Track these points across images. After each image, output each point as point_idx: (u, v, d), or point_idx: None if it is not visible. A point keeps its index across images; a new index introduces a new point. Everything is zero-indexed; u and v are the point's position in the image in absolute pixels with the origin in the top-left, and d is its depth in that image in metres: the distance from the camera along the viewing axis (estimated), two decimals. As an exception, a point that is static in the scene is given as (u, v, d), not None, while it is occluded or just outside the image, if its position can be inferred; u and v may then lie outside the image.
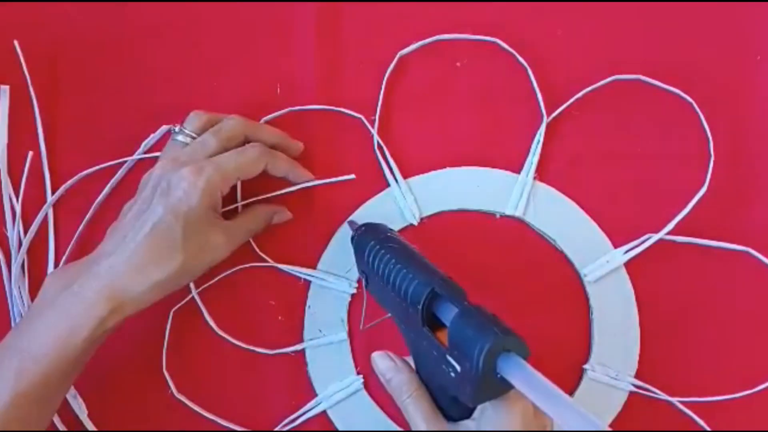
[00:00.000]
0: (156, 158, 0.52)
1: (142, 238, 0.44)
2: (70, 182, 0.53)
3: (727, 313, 0.53)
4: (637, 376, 0.51)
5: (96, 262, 0.44)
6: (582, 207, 0.53)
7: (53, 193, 0.53)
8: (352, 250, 0.50)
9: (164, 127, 0.52)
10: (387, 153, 0.53)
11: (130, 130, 0.53)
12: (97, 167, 0.53)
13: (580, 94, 0.52)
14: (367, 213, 0.52)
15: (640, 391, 0.51)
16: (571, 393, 0.51)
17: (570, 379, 0.52)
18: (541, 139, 0.52)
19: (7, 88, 0.53)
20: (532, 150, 0.52)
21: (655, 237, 0.52)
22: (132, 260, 0.44)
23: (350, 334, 0.53)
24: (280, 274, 0.53)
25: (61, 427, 0.52)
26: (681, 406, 0.51)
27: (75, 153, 0.53)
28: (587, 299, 0.52)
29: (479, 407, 0.41)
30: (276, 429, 0.52)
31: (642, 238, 0.52)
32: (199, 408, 0.52)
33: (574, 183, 0.53)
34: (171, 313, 0.52)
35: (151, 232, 0.44)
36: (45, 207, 0.53)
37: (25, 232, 0.53)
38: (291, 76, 0.53)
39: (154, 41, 0.54)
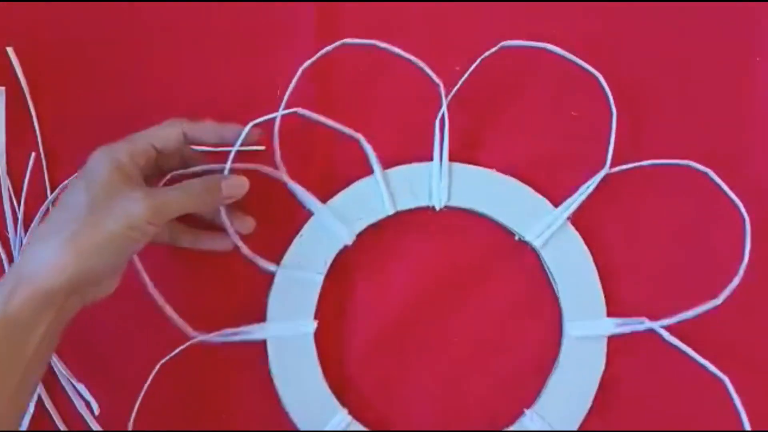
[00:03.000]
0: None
1: (54, 212, 0.43)
2: (68, 180, 0.52)
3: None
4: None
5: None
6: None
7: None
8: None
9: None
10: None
11: (129, 130, 0.48)
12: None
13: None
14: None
15: (620, 329, 0.51)
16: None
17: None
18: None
19: (2, 89, 0.53)
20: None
21: (597, 177, 0.53)
22: (40, 234, 0.42)
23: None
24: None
25: (62, 427, 0.50)
26: (662, 331, 0.51)
27: (75, 153, 0.48)
28: (544, 264, 0.54)
29: None
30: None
31: (581, 190, 0.53)
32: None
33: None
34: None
35: (61, 205, 0.43)
36: (45, 203, 0.52)
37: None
38: (291, 76, 0.51)
39: (153, 41, 0.54)
